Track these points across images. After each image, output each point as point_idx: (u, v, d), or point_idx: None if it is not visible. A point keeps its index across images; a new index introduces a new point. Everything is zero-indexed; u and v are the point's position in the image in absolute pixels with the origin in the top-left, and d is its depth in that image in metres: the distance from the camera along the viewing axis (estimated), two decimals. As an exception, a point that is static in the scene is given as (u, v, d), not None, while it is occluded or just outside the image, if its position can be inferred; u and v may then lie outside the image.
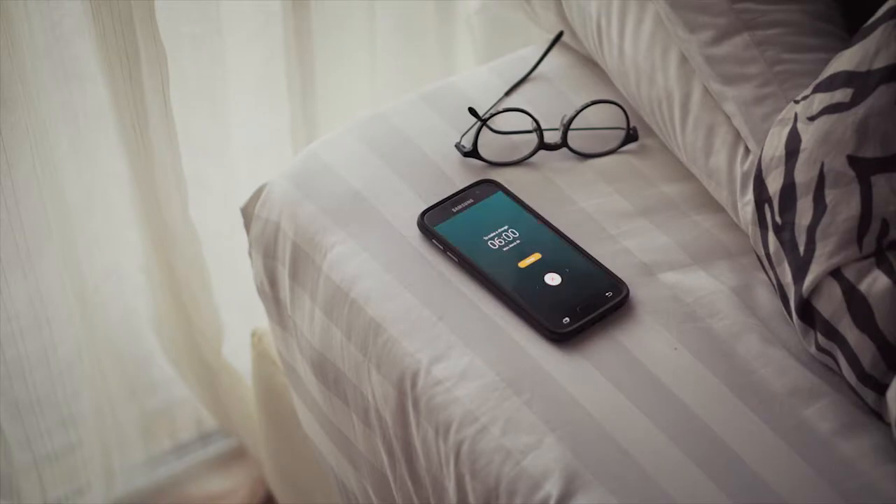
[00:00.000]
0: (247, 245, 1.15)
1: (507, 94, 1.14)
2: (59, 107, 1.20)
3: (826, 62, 0.95)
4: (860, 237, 0.88)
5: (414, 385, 0.95)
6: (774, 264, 0.94)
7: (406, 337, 0.96)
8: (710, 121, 1.01)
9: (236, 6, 1.28)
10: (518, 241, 1.00)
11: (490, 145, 1.08)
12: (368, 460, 1.04)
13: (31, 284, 1.21)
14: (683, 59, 1.03)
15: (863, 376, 0.88)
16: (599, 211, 1.03)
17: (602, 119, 1.10)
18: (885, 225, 0.87)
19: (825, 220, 0.89)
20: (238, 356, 1.43)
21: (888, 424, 0.88)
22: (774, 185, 0.93)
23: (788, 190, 0.92)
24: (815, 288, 0.90)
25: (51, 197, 1.20)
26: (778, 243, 0.93)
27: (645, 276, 0.98)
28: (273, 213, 1.09)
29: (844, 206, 0.88)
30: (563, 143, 1.08)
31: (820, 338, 0.90)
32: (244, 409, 1.45)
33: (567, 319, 0.94)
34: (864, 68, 0.89)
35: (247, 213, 1.15)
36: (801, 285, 0.90)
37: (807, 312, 0.91)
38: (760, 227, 0.95)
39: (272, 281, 1.11)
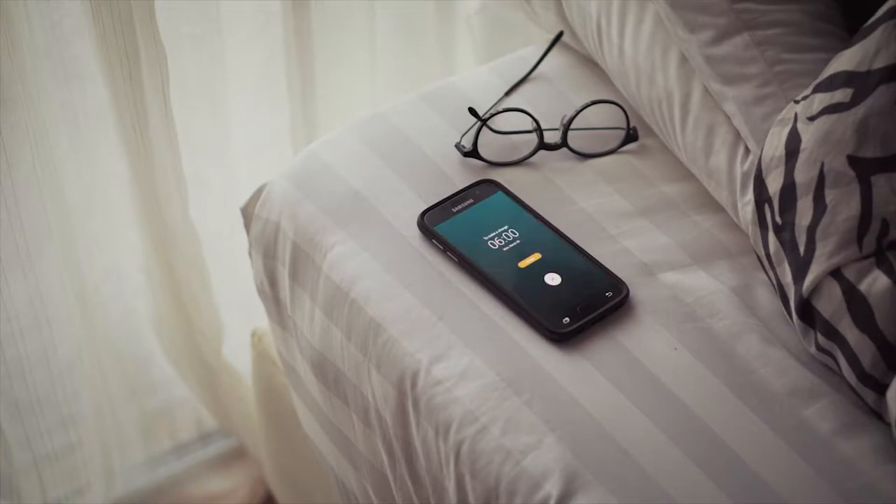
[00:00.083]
0: (247, 245, 1.15)
1: (507, 94, 1.14)
2: (59, 107, 1.20)
3: (826, 62, 0.95)
4: (860, 237, 0.88)
5: (414, 385, 0.95)
6: (774, 264, 0.94)
7: (406, 337, 0.96)
8: (710, 121, 1.01)
9: (236, 6, 1.28)
10: (518, 241, 1.00)
11: (490, 145, 1.08)
12: (368, 460, 1.04)
13: (31, 284, 1.21)
14: (683, 59, 1.03)
15: (863, 376, 0.88)
16: (599, 211, 1.03)
17: (602, 119, 1.10)
18: (885, 225, 0.87)
19: (825, 220, 0.89)
20: (238, 356, 1.43)
21: (888, 424, 0.88)
22: (774, 185, 0.93)
23: (788, 190, 0.92)
24: (815, 288, 0.90)
25: (51, 197, 1.20)
26: (778, 243, 0.93)
27: (645, 276, 0.98)
28: (273, 213, 1.09)
29: (844, 206, 0.88)
30: (563, 143, 1.08)
31: (820, 338, 0.90)
32: (244, 409, 1.45)
33: (567, 319, 0.94)
34: (864, 68, 0.89)
35: (247, 213, 1.15)
36: (801, 285, 0.90)
37: (807, 312, 0.91)
38: (760, 227, 0.95)
39: (272, 281, 1.11)
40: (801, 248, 0.90)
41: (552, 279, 0.97)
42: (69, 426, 1.34)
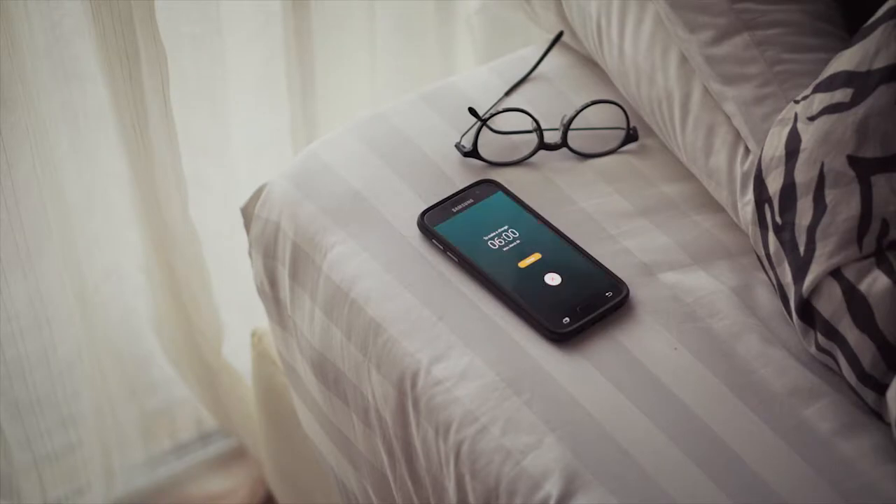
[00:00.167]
0: (247, 245, 1.15)
1: (507, 94, 1.14)
2: (59, 107, 1.20)
3: (826, 62, 0.95)
4: (860, 237, 0.88)
5: (414, 385, 0.95)
6: (774, 264, 0.94)
7: (406, 337, 0.96)
8: (710, 121, 1.01)
9: (236, 6, 1.28)
10: (518, 241, 1.00)
11: (490, 145, 1.08)
12: (368, 460, 1.04)
13: (31, 284, 1.21)
14: (683, 59, 1.03)
15: (863, 376, 0.88)
16: (599, 211, 1.03)
17: (602, 119, 1.10)
18: (885, 225, 0.87)
19: (825, 220, 0.89)
20: (238, 356, 1.43)
21: (888, 424, 0.88)
22: (774, 185, 0.93)
23: (788, 190, 0.92)
24: (815, 288, 0.90)
25: (51, 197, 1.20)
26: (778, 243, 0.93)
27: (645, 276, 0.98)
28: (273, 213, 1.09)
29: (844, 206, 0.88)
30: (563, 143, 1.08)
31: (820, 338, 0.90)
32: (244, 409, 1.45)
33: (567, 319, 0.94)
34: (864, 68, 0.89)
35: (247, 213, 1.15)
36: (801, 285, 0.90)
37: (807, 312, 0.91)
38: (760, 227, 0.95)
39: (272, 281, 1.11)
40: (801, 248, 0.90)
41: (552, 279, 0.97)
42: (69, 426, 1.34)
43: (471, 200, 1.03)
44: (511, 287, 0.96)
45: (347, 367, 1.01)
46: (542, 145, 1.08)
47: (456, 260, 0.99)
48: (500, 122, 1.10)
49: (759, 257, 0.97)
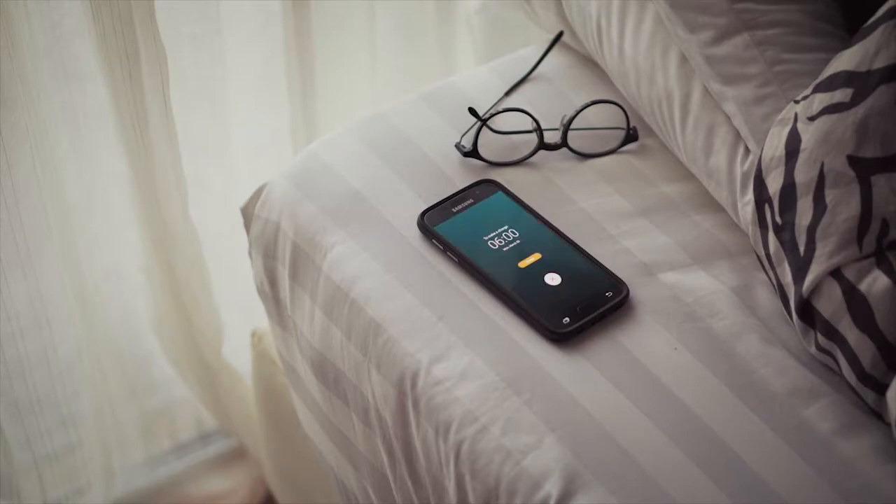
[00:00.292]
0: (247, 245, 1.15)
1: (507, 94, 1.14)
2: (59, 107, 1.20)
3: (826, 62, 0.95)
4: (860, 237, 0.88)
5: (414, 385, 0.95)
6: (774, 264, 0.94)
7: (406, 337, 0.96)
8: (710, 121, 1.01)
9: (236, 6, 1.28)
10: (518, 241, 1.00)
11: (490, 145, 1.08)
12: (368, 460, 1.04)
13: (31, 284, 1.21)
14: (683, 59, 1.03)
15: (863, 376, 0.88)
16: (599, 211, 1.03)
17: (602, 119, 1.10)
18: (885, 225, 0.87)
19: (825, 220, 0.89)
20: (238, 356, 1.43)
21: (888, 424, 0.88)
22: (774, 185, 0.93)
23: (788, 190, 0.92)
24: (815, 288, 0.90)
25: (51, 197, 1.20)
26: (778, 243, 0.93)
27: (645, 276, 0.98)
28: (273, 213, 1.09)
29: (844, 206, 0.88)
30: (563, 143, 1.08)
31: (820, 338, 0.90)
32: (244, 409, 1.45)
33: (567, 319, 0.94)
34: (864, 68, 0.89)
35: (247, 213, 1.15)
36: (801, 285, 0.90)
37: (807, 312, 0.91)
38: (760, 227, 0.95)
39: (272, 281, 1.11)
40: (801, 248, 0.90)
41: (552, 279, 0.97)
42: (69, 426, 1.34)
43: (471, 200, 1.03)
44: (511, 287, 0.96)
45: (347, 367, 1.01)
46: (542, 145, 1.08)
47: (456, 260, 0.99)
48: (500, 122, 1.10)
49: (759, 257, 0.97)
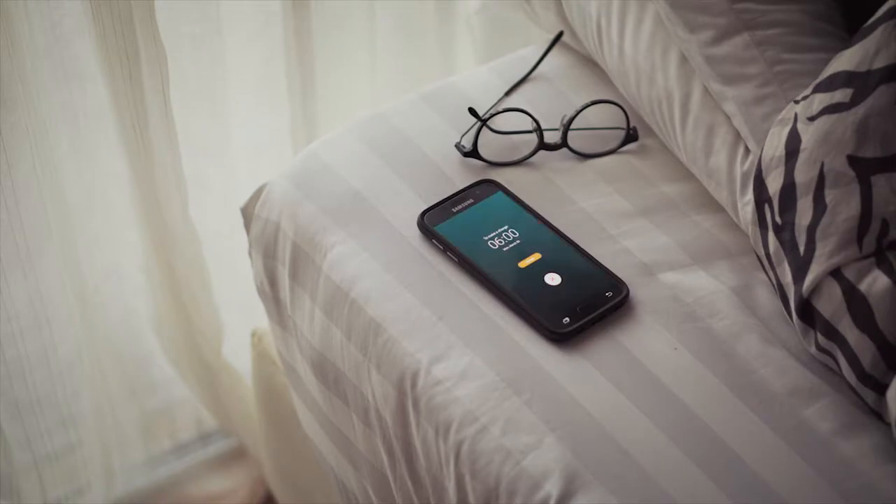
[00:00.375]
0: (247, 245, 1.15)
1: (507, 94, 1.14)
2: (59, 107, 1.20)
3: (826, 62, 0.95)
4: (860, 237, 0.88)
5: (414, 385, 0.95)
6: (774, 264, 0.94)
7: (406, 337, 0.96)
8: (710, 121, 1.01)
9: (236, 6, 1.28)
10: (518, 241, 1.00)
11: (490, 145, 1.08)
12: (368, 460, 1.04)
13: (31, 284, 1.21)
14: (683, 59, 1.03)
15: (863, 376, 0.88)
16: (599, 211, 1.03)
17: (602, 119, 1.10)
18: (885, 225, 0.87)
19: (825, 220, 0.89)
20: (238, 356, 1.43)
21: (888, 424, 0.88)
22: (774, 185, 0.93)
23: (788, 190, 0.92)
24: (815, 288, 0.90)
25: (51, 197, 1.20)
26: (778, 243, 0.93)
27: (645, 276, 0.98)
28: (273, 213, 1.09)
29: (844, 206, 0.88)
30: (563, 143, 1.08)
31: (820, 338, 0.90)
32: (244, 409, 1.45)
33: (567, 319, 0.94)
34: (864, 68, 0.89)
35: (247, 213, 1.15)
36: (801, 285, 0.90)
37: (807, 312, 0.91)
38: (760, 227, 0.95)
39: (272, 281, 1.11)
40: (801, 248, 0.90)
41: (552, 279, 0.97)
42: (69, 426, 1.34)
43: (471, 200, 1.03)
44: (511, 287, 0.96)
45: (347, 367, 1.01)
46: (542, 145, 1.08)
47: (456, 260, 0.99)
48: (500, 122, 1.10)
49: (759, 257, 0.97)
